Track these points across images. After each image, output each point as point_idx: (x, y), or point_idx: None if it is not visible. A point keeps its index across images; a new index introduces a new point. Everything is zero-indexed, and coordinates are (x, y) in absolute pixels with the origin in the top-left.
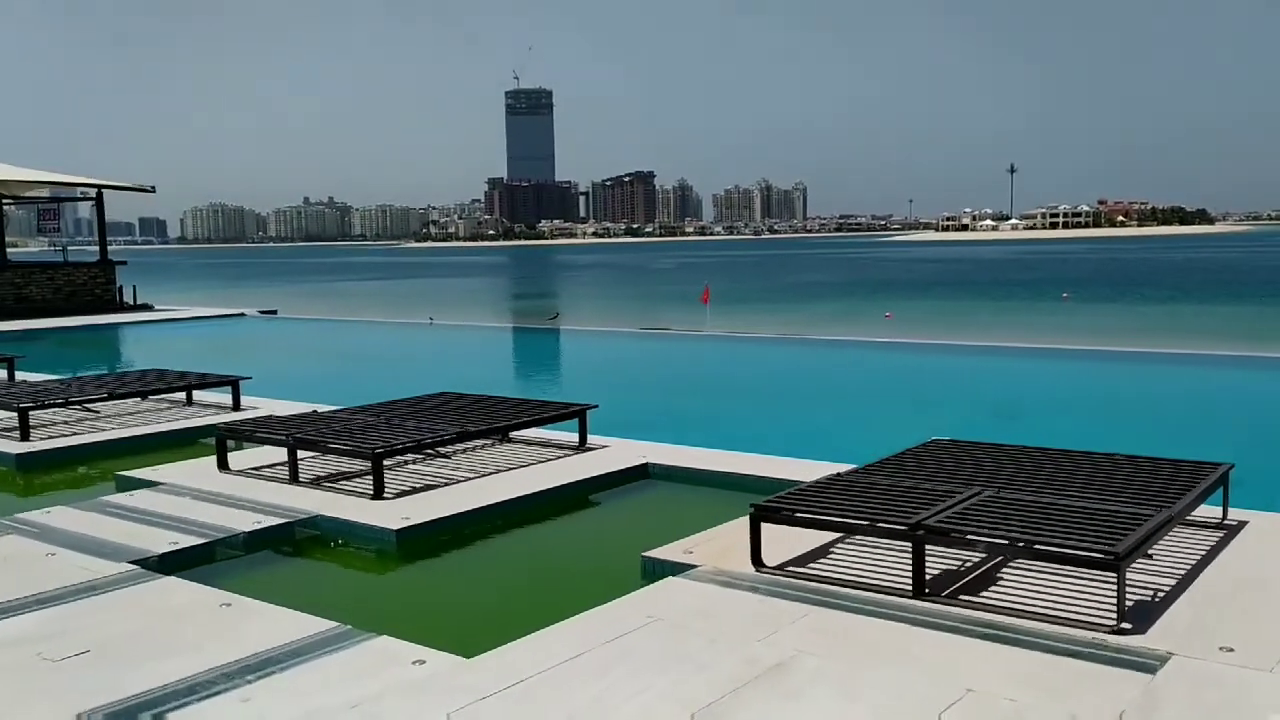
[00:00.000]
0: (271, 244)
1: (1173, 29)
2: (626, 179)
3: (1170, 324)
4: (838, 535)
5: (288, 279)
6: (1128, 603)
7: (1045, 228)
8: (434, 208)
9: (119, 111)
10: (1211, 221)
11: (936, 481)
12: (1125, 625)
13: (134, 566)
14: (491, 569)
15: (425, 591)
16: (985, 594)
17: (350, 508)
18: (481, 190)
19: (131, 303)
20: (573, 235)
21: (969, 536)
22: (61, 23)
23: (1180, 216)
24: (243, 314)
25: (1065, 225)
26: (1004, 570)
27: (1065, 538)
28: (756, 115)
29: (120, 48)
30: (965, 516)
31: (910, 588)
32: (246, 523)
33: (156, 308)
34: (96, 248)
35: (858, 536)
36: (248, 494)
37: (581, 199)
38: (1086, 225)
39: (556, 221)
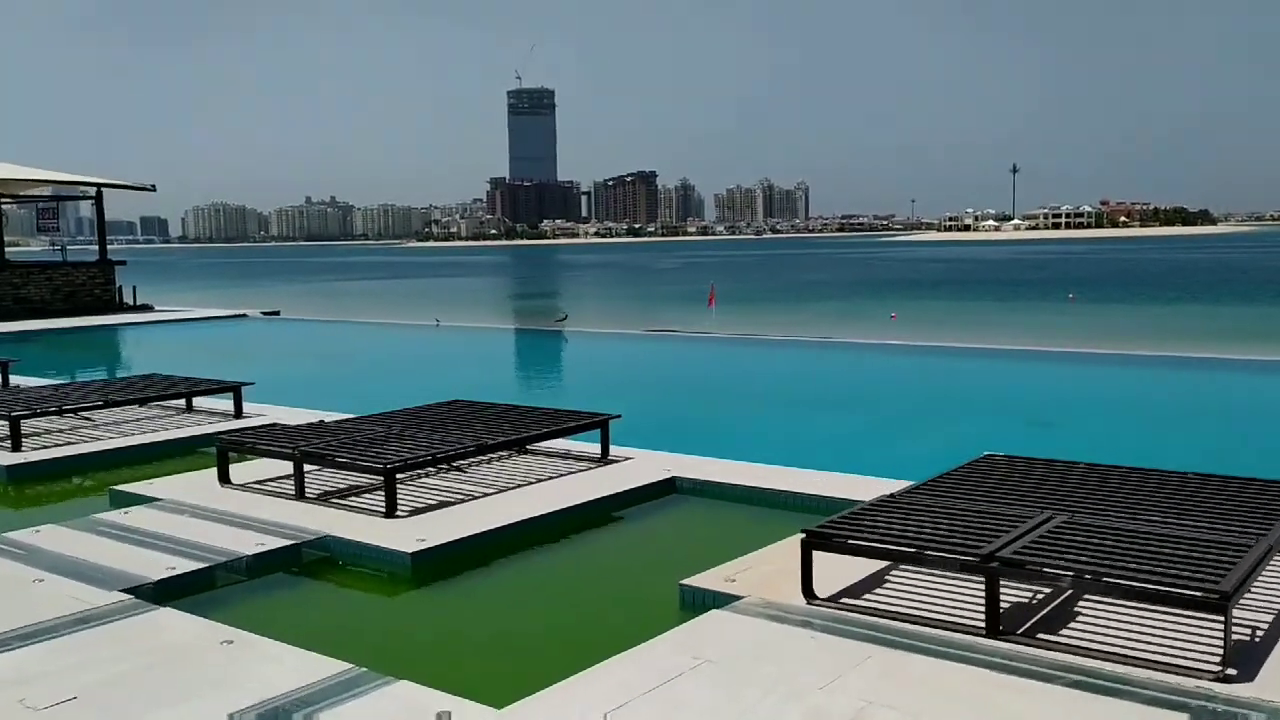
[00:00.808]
0: (273, 243)
1: (1174, 29)
2: (628, 179)
3: (1187, 326)
4: (891, 562)
5: (290, 279)
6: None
7: (1048, 228)
8: (436, 207)
9: (120, 109)
10: (1214, 222)
11: (1000, 504)
12: (1230, 671)
13: (127, 596)
14: (516, 598)
15: (444, 625)
16: (1065, 632)
17: (361, 527)
18: (484, 190)
19: (131, 303)
20: (574, 235)
21: (1048, 569)
22: (59, 21)
23: (1183, 217)
24: (244, 315)
25: (1068, 225)
26: (1080, 603)
27: (1163, 574)
28: (758, 115)
29: (119, 46)
30: (1043, 547)
31: (983, 625)
32: (249, 544)
33: (157, 308)
34: (96, 247)
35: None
36: (250, 511)
37: (583, 199)
38: (1089, 225)
39: (558, 221)
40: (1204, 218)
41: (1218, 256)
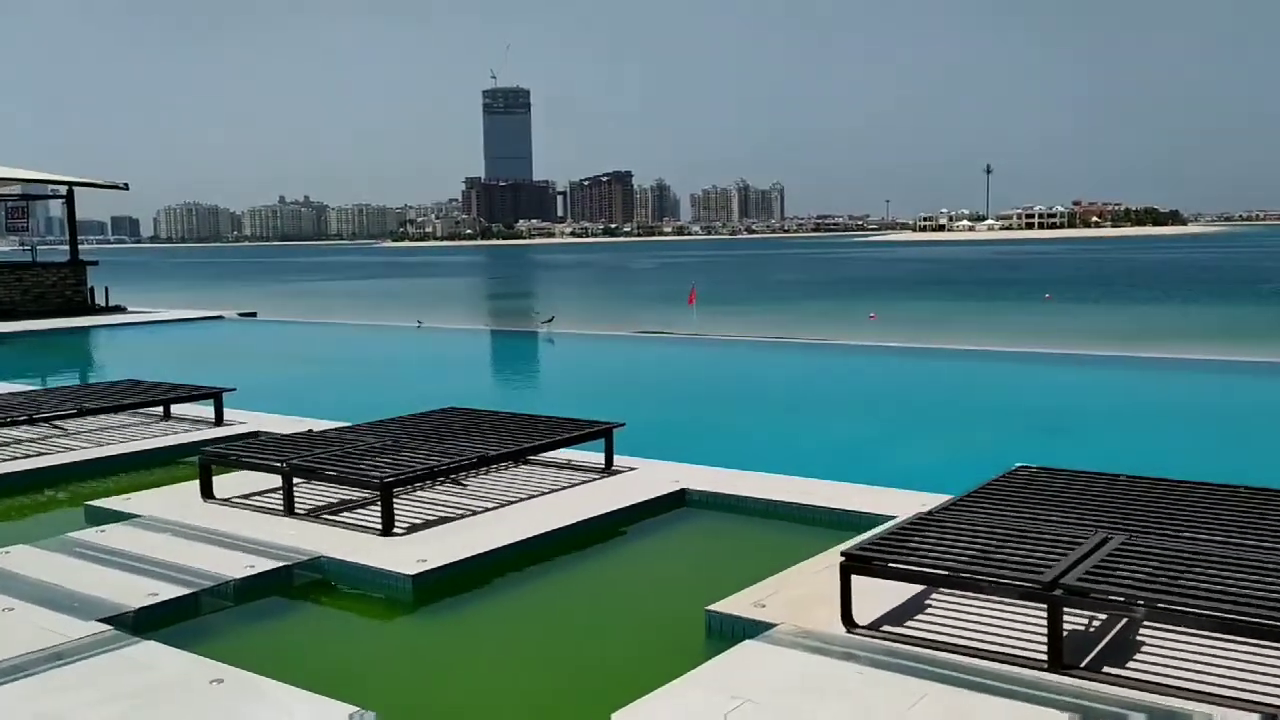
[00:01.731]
0: (246, 243)
1: (1145, 33)
2: (604, 178)
3: (1168, 325)
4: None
5: (265, 279)
6: None
7: (1021, 228)
8: (411, 207)
9: (90, 108)
10: (1184, 222)
11: (1048, 522)
12: None
13: (106, 626)
14: (529, 627)
15: (453, 659)
16: (1133, 664)
17: (356, 547)
18: (459, 189)
19: (103, 305)
20: (550, 235)
21: (1116, 598)
22: (29, 18)
23: (1154, 217)
24: (221, 316)
25: (1041, 226)
26: (1141, 631)
27: (1247, 604)
28: (734, 115)
29: (89, 44)
30: (1108, 572)
31: (1043, 657)
32: (237, 567)
33: (130, 310)
34: (66, 247)
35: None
36: (237, 529)
37: (559, 198)
38: (1062, 226)
39: (534, 221)
40: (1174, 218)
41: (1191, 256)
